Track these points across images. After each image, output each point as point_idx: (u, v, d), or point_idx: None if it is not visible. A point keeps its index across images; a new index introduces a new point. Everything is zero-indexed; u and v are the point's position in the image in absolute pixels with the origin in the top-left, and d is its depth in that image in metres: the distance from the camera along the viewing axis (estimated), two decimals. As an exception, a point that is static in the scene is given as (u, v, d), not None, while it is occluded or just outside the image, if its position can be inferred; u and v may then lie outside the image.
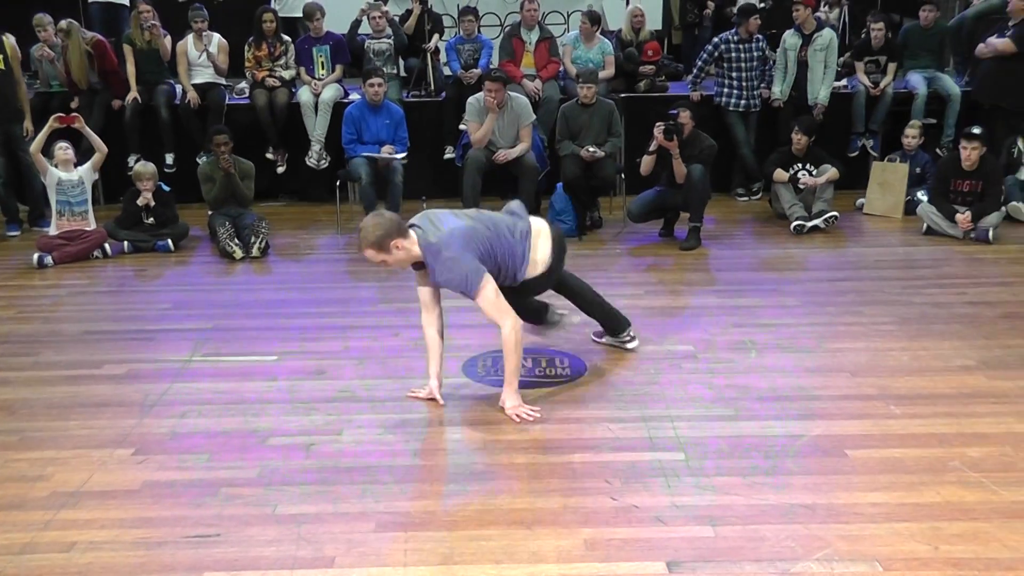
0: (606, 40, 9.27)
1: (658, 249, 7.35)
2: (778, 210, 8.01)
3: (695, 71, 9.08)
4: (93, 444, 4.10)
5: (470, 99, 7.85)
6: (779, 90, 8.85)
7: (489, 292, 4.10)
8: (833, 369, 4.76)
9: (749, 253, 7.17)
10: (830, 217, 7.64)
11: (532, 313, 4.77)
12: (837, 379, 4.63)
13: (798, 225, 7.59)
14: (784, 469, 3.71)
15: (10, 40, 8.18)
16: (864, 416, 4.20)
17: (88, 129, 7.65)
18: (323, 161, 8.74)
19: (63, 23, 8.76)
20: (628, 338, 5.10)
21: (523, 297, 4.57)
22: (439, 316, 4.42)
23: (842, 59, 9.29)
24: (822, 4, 9.99)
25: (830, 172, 7.82)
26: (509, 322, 4.14)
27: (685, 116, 7.28)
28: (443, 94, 9.19)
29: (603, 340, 5.17)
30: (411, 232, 4.12)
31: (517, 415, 4.19)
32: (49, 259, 7.21)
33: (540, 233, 4.50)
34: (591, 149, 7.61)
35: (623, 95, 9.10)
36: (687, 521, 3.34)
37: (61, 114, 7.60)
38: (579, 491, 3.56)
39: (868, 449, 3.87)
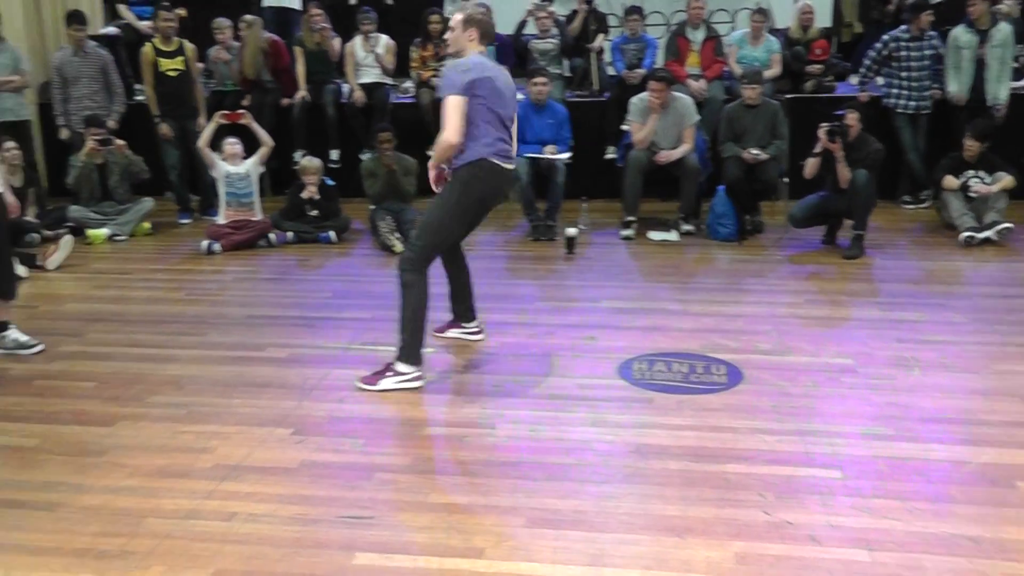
0: (773, 38, 9.07)
1: (820, 257, 7.15)
2: (947, 220, 7.66)
3: (863, 70, 8.75)
4: (255, 422, 4.27)
5: (633, 99, 7.82)
6: (956, 89, 8.41)
7: (451, 102, 4.52)
8: (1003, 393, 4.50)
9: (915, 264, 6.89)
10: (1003, 228, 7.26)
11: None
12: (1007, 404, 4.36)
13: (968, 236, 7.25)
14: (947, 496, 3.52)
15: (189, 44, 8.68)
16: (1038, 445, 3.95)
17: (255, 124, 7.96)
18: (485, 160, 8.82)
19: (248, 17, 9.22)
20: (476, 328, 5.29)
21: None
22: None
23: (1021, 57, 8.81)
24: None
25: (1005, 180, 7.43)
26: (444, 135, 4.54)
27: (852, 118, 7.07)
28: (606, 94, 9.18)
29: (448, 333, 5.35)
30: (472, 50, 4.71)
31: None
32: (217, 246, 7.55)
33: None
34: (754, 151, 7.48)
35: (788, 96, 8.89)
36: (842, 543, 3.21)
37: (227, 111, 7.94)
38: (732, 502, 3.48)
39: (1042, 481, 3.64)
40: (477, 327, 5.32)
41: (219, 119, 7.80)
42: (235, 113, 7.93)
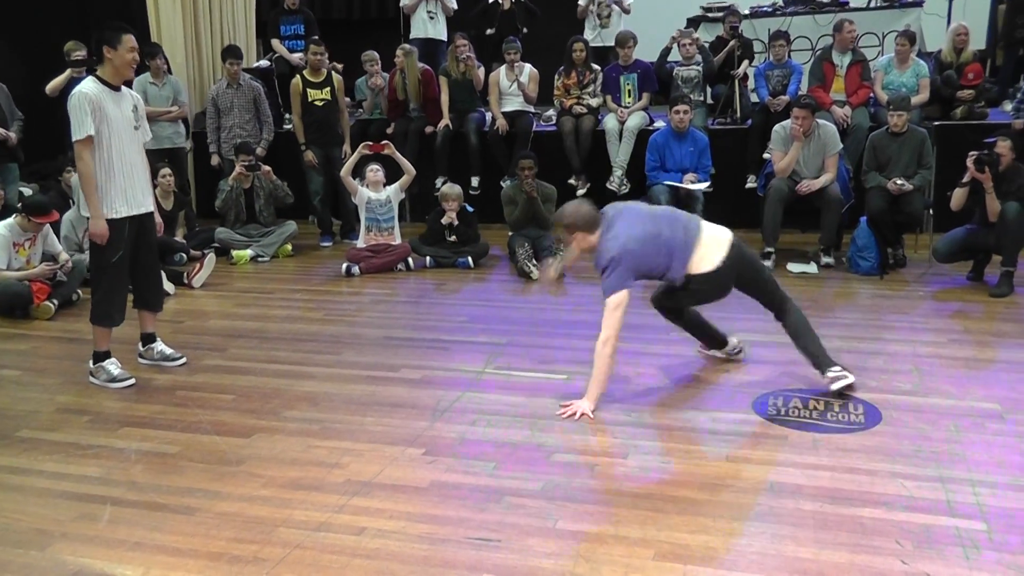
0: (921, 62, 8.79)
1: (965, 294, 6.88)
2: (1107, 257, 7.28)
3: (1021, 95, 8.36)
4: (387, 440, 4.36)
5: (776, 127, 7.71)
6: None
7: (612, 301, 4.64)
8: None
9: (1070, 305, 6.56)
10: None
11: (697, 328, 5.36)
12: None
13: None
14: (1107, 558, 3.31)
15: (338, 75, 9.02)
16: None
17: (398, 154, 8.16)
18: (623, 187, 8.85)
19: (406, 46, 9.55)
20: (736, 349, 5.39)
21: (689, 299, 5.05)
22: None
23: None
24: None
25: None
26: (603, 335, 4.62)
27: (1004, 147, 6.80)
28: (749, 121, 9.08)
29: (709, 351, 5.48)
30: (598, 227, 4.75)
31: (574, 412, 4.58)
32: (356, 269, 7.76)
33: (717, 240, 4.82)
34: (899, 182, 7.27)
35: (937, 123, 8.59)
36: (985, 598, 3.07)
37: (370, 142, 8.17)
38: (867, 548, 3.35)
39: None
40: (736, 347, 5.45)
41: (363, 150, 8.03)
42: (378, 144, 8.15)
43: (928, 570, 3.22)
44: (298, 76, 8.99)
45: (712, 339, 5.41)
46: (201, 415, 4.76)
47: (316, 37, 9.38)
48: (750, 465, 4.07)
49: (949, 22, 10.05)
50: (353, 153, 8.17)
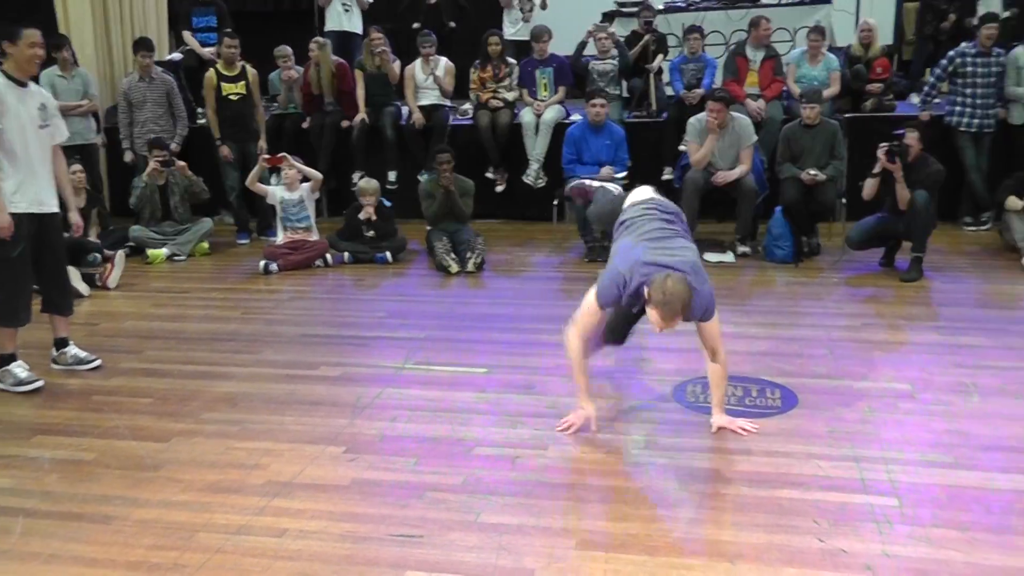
0: (832, 56, 8.97)
1: (878, 279, 7.04)
2: (1009, 242, 7.50)
3: (928, 88, 8.62)
4: (307, 439, 4.31)
5: (691, 119, 7.79)
6: (1019, 114, 8.30)
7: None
8: (1067, 421, 4.39)
9: (975, 288, 6.74)
10: (1069, 251, 7.10)
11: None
12: (1071, 431, 4.26)
13: (1032, 259, 7.11)
14: (1009, 527, 3.42)
15: (251, 69, 8.89)
16: (1103, 474, 3.84)
17: (298, 164, 8.08)
18: (540, 180, 8.88)
19: (319, 39, 9.46)
20: None
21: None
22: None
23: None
24: None
25: (1071, 200, 7.27)
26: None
27: (912, 138, 6.97)
28: (664, 114, 9.16)
29: None
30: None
31: (739, 428, 4.26)
32: (274, 266, 7.66)
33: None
34: (812, 172, 7.41)
35: (848, 115, 8.79)
36: (898, 573, 3.14)
37: (268, 155, 8.11)
38: (785, 528, 3.42)
39: (1108, 513, 3.53)
40: None
41: (263, 164, 7.93)
42: (275, 157, 8.06)
43: (844, 546, 3.30)
44: (212, 70, 8.83)
45: None
46: (117, 420, 4.64)
47: (229, 30, 9.21)
48: (670, 452, 4.11)
49: (857, 19, 10.28)
50: (273, 147, 8.05)
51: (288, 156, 8.10)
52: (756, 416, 4.46)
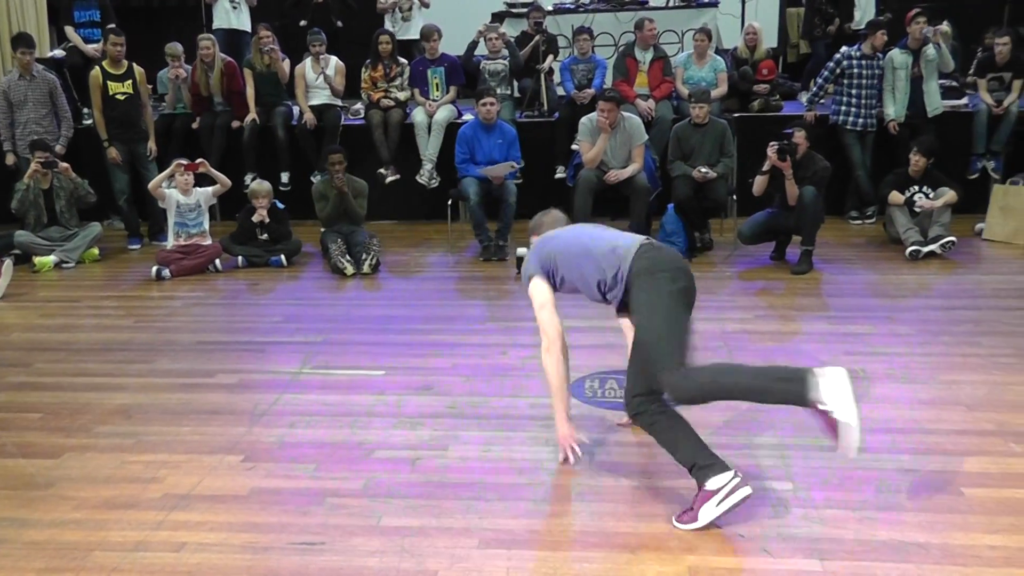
0: (718, 57, 9.19)
1: (769, 272, 7.23)
2: (893, 234, 7.78)
3: (815, 89, 8.89)
4: (204, 450, 4.22)
5: (583, 119, 7.86)
6: (893, 111, 8.63)
7: (536, 296, 3.85)
8: (949, 402, 4.57)
9: (862, 278, 6.98)
10: (947, 242, 7.39)
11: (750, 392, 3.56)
12: (953, 413, 4.44)
13: (914, 250, 7.37)
14: (897, 505, 3.57)
15: (139, 68, 8.63)
16: (982, 453, 4.01)
17: (213, 171, 7.92)
18: (433, 180, 8.86)
19: (207, 36, 9.27)
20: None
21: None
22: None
23: (969, 76, 9.05)
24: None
25: (948, 195, 7.57)
26: (543, 341, 3.80)
27: (800, 136, 7.17)
28: (556, 114, 9.23)
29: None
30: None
31: (567, 446, 3.90)
32: (167, 272, 7.48)
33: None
34: (703, 170, 7.55)
35: (736, 115, 9.01)
36: (794, 553, 3.24)
37: (185, 161, 7.87)
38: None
39: (987, 488, 3.69)
40: None
41: (176, 168, 7.73)
42: (193, 163, 7.84)
43: (741, 531, 3.39)
44: (97, 68, 8.51)
45: None
46: (4, 437, 4.45)
47: (114, 26, 8.92)
48: (570, 448, 4.15)
49: (743, 22, 10.54)
50: (162, 147, 7.82)
51: (206, 162, 7.92)
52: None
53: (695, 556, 3.23)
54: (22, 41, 8.65)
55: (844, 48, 8.77)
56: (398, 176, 9.04)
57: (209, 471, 4.00)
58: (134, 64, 8.61)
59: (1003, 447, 4.06)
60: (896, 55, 8.60)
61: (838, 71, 8.65)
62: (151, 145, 8.67)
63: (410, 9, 10.18)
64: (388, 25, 10.14)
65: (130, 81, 8.50)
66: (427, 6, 10.26)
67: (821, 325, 5.89)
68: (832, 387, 3.29)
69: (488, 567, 3.20)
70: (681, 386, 3.45)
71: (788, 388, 3.36)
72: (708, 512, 3.38)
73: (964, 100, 9.20)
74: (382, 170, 9.06)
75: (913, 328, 5.72)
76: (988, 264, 7.40)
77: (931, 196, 7.64)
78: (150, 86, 9.17)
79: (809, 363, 4.99)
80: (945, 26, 9.39)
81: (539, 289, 3.87)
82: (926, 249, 7.37)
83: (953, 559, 3.19)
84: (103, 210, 8.92)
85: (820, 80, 8.81)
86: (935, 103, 8.67)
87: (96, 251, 8.23)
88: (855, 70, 8.55)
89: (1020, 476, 3.80)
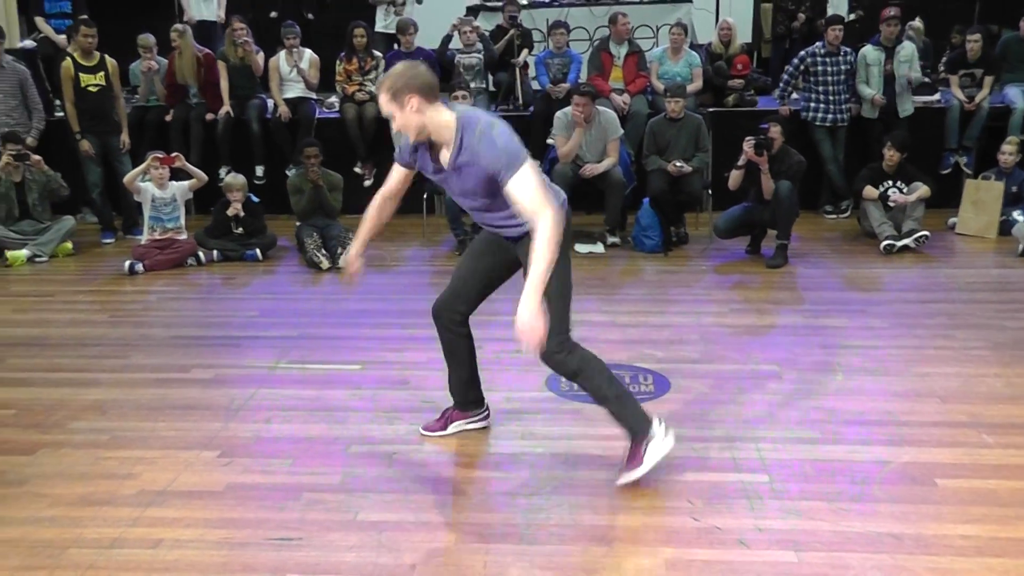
0: (693, 52, 9.22)
1: (744, 266, 7.26)
2: (867, 228, 7.85)
3: (782, 85, 9.00)
4: (180, 445, 4.20)
5: (558, 113, 7.86)
6: (868, 108, 8.72)
7: (532, 175, 3.36)
8: (922, 394, 4.61)
9: (837, 272, 7.03)
10: (921, 236, 7.45)
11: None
12: (926, 405, 4.48)
13: (887, 244, 7.42)
14: (871, 496, 3.60)
15: (111, 59, 8.54)
16: (955, 444, 4.05)
17: (189, 165, 7.88)
18: (409, 173, 8.81)
19: (179, 26, 9.19)
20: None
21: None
22: (395, 205, 3.93)
23: (941, 72, 9.11)
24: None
25: (921, 190, 7.64)
26: (550, 213, 3.29)
27: (775, 131, 7.21)
28: (531, 108, 9.23)
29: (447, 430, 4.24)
30: (442, 104, 3.52)
31: (532, 333, 3.24)
32: (140, 266, 7.42)
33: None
34: (678, 164, 7.58)
35: (711, 109, 9.04)
36: (770, 545, 3.27)
37: (161, 154, 7.80)
38: (661, 510, 3.52)
39: (959, 479, 3.73)
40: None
41: (153, 163, 7.66)
42: (168, 157, 7.77)
43: (718, 524, 3.41)
44: (68, 59, 8.40)
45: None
46: (-25, 433, 4.43)
47: (86, 17, 8.82)
48: (546, 440, 4.17)
49: (717, 17, 10.60)
50: (135, 140, 7.76)
51: (181, 156, 7.87)
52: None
53: (672, 548, 3.25)
54: (-10, 32, 8.56)
55: (810, 47, 8.84)
56: (373, 179, 9.01)
57: (185, 467, 3.98)
58: (106, 56, 8.52)
59: (976, 438, 4.10)
60: (869, 51, 8.67)
61: (802, 68, 8.72)
62: (124, 138, 8.59)
63: (404, 3, 10.15)
64: (380, 18, 10.14)
65: (102, 73, 8.40)
66: (420, 2, 10.24)
67: (796, 318, 5.93)
68: (659, 445, 3.65)
69: (466, 561, 3.20)
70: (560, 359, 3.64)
71: (633, 412, 3.71)
72: (652, 456, 3.62)
73: (936, 96, 9.27)
74: (358, 169, 9.03)
75: (887, 321, 5.77)
76: (961, 258, 7.47)
77: (905, 191, 7.71)
78: (125, 83, 9.07)
79: (784, 356, 5.10)
80: (917, 22, 9.49)
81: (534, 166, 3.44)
82: (900, 243, 7.43)
83: (927, 549, 3.23)
84: (76, 203, 8.83)
85: (785, 76, 8.92)
86: (906, 106, 8.74)
87: (69, 245, 8.15)
88: (819, 67, 8.62)
89: (993, 467, 3.84)
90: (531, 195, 3.33)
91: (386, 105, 3.45)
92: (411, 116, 3.43)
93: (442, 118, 3.47)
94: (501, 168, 3.37)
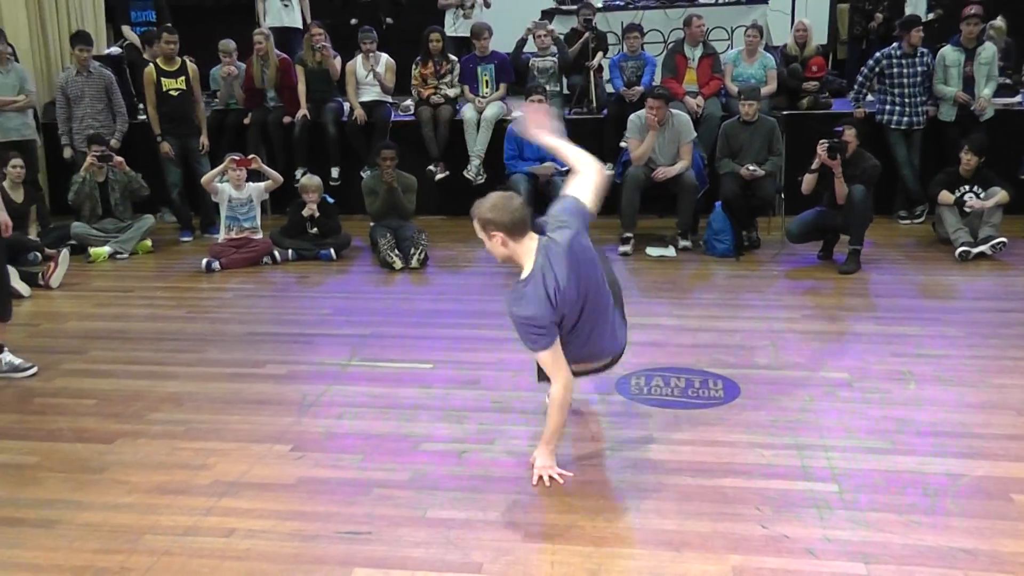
0: (768, 54, 9.12)
1: (816, 272, 7.17)
2: (942, 234, 7.68)
3: (856, 87, 8.85)
4: (253, 438, 4.29)
5: (631, 116, 7.86)
6: (946, 110, 8.53)
7: (547, 351, 3.65)
8: (998, 406, 4.50)
9: (910, 279, 6.89)
10: (998, 243, 7.28)
11: None
12: (1002, 417, 4.37)
13: (963, 251, 7.26)
14: (943, 509, 3.53)
15: (192, 64, 8.79)
16: (1032, 458, 3.95)
17: (265, 167, 8.04)
18: (480, 176, 8.88)
19: (264, 30, 9.44)
20: None
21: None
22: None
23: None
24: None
25: (999, 195, 7.44)
26: (561, 379, 3.66)
27: (850, 134, 7.11)
28: (605, 111, 9.22)
29: None
30: (526, 238, 3.68)
31: (546, 475, 3.77)
32: (217, 264, 7.58)
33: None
34: (751, 167, 7.52)
35: (785, 112, 8.93)
36: (839, 556, 3.22)
37: (238, 156, 7.97)
38: (729, 516, 3.49)
39: (1036, 494, 3.64)
40: None
41: (230, 164, 7.83)
42: (245, 159, 7.95)
43: (786, 532, 3.37)
44: (151, 65, 8.69)
45: None
46: (60, 422, 4.57)
47: (169, 25, 9.08)
48: (614, 444, 4.17)
49: (793, 19, 10.47)
50: (215, 143, 7.92)
51: (258, 158, 8.03)
52: (699, 407, 4.53)
53: (739, 556, 3.23)
54: (80, 38, 8.85)
55: (886, 48, 8.68)
56: (447, 173, 9.09)
57: (258, 459, 4.07)
58: (187, 61, 8.77)
59: (1054, 453, 4.00)
60: (948, 52, 8.48)
61: (878, 70, 8.57)
62: (203, 140, 8.81)
63: (472, 7, 10.23)
64: (449, 21, 10.23)
65: (183, 78, 8.64)
66: (488, 6, 10.32)
67: (868, 326, 5.83)
68: None
69: (532, 561, 3.23)
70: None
71: None
72: None
73: (1017, 98, 9.05)
74: (431, 167, 9.11)
75: (962, 330, 5.65)
76: (1040, 266, 7.29)
77: (982, 196, 7.52)
78: (205, 87, 9.31)
79: (856, 364, 5.03)
80: (999, 21, 9.25)
81: (555, 342, 3.68)
82: (976, 250, 7.26)
83: (1002, 566, 3.15)
84: (155, 203, 9.07)
85: (860, 79, 8.77)
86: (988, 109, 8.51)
87: (149, 243, 8.38)
88: (895, 69, 8.46)
89: (1071, 482, 3.74)
90: (546, 364, 3.73)
91: (476, 230, 3.72)
92: (497, 248, 3.71)
93: (524, 255, 3.69)
94: (520, 336, 3.74)
